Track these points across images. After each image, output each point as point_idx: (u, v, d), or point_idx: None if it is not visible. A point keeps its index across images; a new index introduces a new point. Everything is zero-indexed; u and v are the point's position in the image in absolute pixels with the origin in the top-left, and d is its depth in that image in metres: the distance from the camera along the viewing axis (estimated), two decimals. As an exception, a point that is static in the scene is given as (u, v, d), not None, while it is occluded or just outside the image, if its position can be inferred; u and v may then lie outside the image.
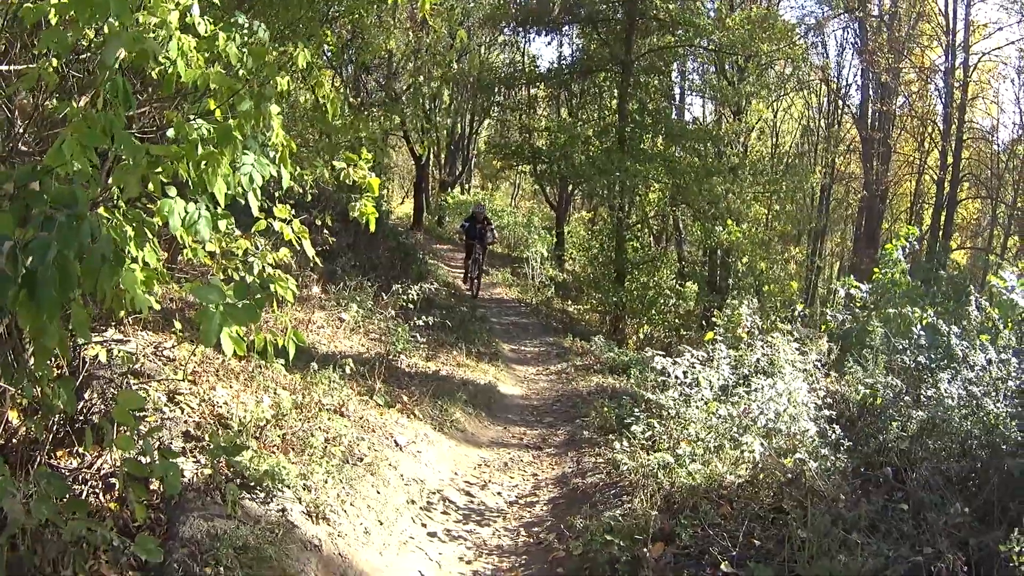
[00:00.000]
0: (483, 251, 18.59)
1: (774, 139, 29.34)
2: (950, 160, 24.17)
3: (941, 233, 23.38)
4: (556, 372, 12.26)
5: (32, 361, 3.43)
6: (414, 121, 20.24)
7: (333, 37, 8.25)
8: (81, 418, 4.23)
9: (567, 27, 22.49)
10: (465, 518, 5.89)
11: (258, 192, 3.65)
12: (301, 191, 7.13)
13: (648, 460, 5.44)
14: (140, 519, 3.64)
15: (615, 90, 20.76)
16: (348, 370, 7.06)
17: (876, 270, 9.76)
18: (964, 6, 23.90)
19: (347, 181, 5.33)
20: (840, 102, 28.58)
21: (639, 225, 21.48)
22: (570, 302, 21.30)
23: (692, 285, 19.97)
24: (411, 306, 10.24)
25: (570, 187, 25.55)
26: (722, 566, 3.99)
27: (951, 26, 23.77)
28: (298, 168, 5.27)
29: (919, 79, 25.89)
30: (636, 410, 6.77)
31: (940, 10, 24.37)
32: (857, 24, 25.90)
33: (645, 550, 4.30)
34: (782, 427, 5.33)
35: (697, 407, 5.85)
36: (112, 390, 4.66)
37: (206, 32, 3.46)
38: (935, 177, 25.48)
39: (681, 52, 20.81)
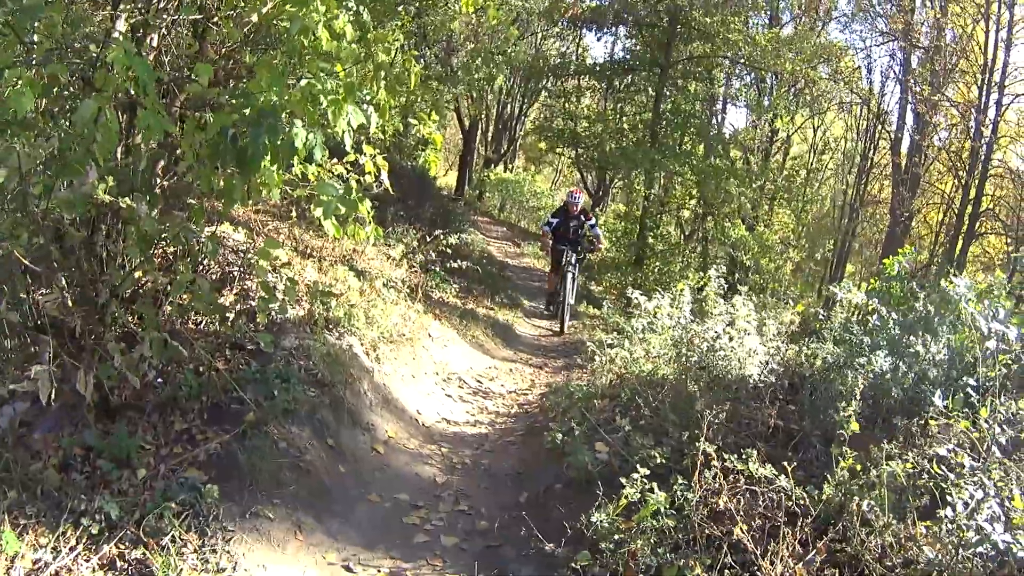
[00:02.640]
0: (578, 264, 12.95)
1: (811, 156, 30.05)
2: (972, 195, 24.66)
3: (955, 263, 23.62)
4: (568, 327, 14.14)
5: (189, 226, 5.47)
6: (467, 92, 21.08)
7: (408, 18, 10.13)
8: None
9: (616, 27, 23.14)
10: (474, 393, 7.96)
11: (352, 133, 4.98)
12: (382, 137, 8.96)
13: (611, 355, 7.32)
14: (261, 322, 5.73)
15: (652, 90, 21.65)
16: (397, 284, 9.12)
17: (872, 280, 11.10)
18: (1004, 48, 24.12)
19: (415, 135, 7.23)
20: (879, 127, 28.94)
21: (661, 216, 22.50)
22: (594, 283, 21.52)
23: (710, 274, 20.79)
24: (448, 250, 12.00)
25: (608, 178, 26.75)
26: (643, 410, 5.77)
27: (989, 64, 24.08)
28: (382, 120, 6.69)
29: (958, 114, 25.95)
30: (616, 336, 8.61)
31: (981, 48, 24.64)
32: (900, 52, 26.45)
33: (595, 402, 6.20)
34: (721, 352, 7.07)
35: (656, 332, 7.70)
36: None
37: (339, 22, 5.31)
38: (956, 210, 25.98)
39: (717, 62, 21.11)
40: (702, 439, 3.94)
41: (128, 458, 4.58)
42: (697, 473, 3.82)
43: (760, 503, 3.83)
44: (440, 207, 18.54)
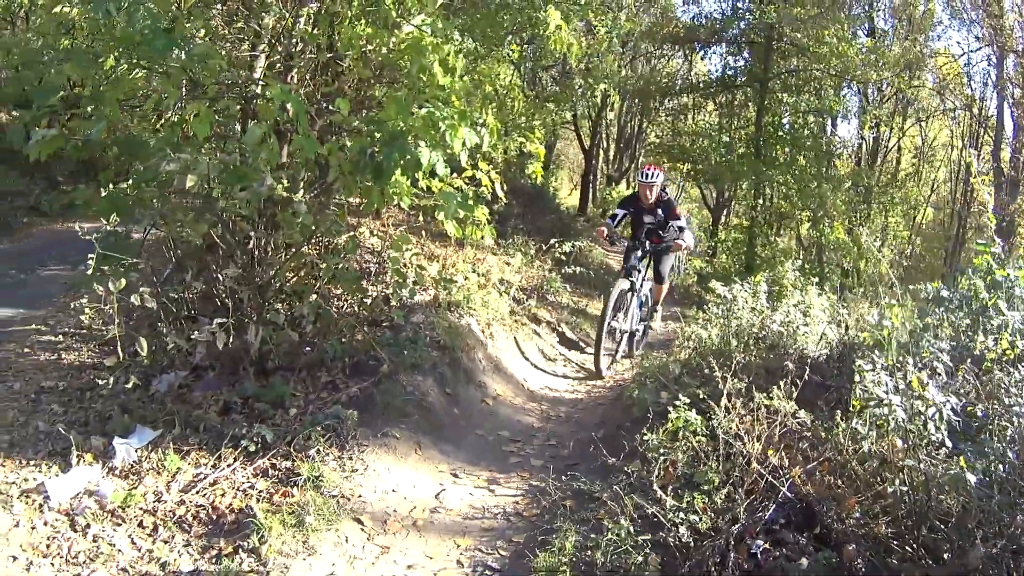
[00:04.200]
0: (656, 260, 9.91)
1: (918, 163, 30.01)
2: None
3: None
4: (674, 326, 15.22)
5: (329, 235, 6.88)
6: (585, 113, 22.05)
7: (517, 46, 11.45)
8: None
9: (710, 45, 23.89)
10: (577, 370, 9.29)
11: (467, 152, 5.84)
12: (495, 155, 10.30)
13: (690, 332, 8.38)
14: (395, 303, 7.15)
15: (753, 104, 22.41)
16: (513, 287, 10.46)
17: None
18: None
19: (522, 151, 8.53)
20: (983, 132, 28.83)
21: (771, 225, 23.16)
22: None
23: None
24: (564, 258, 13.14)
25: (726, 192, 27.09)
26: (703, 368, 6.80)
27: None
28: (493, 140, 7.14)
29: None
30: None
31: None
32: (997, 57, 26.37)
33: (670, 367, 7.30)
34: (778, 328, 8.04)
35: (735, 316, 8.76)
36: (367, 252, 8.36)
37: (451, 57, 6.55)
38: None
39: (813, 74, 21.30)
40: (730, 376, 5.06)
41: (282, 401, 5.99)
42: (724, 399, 4.92)
43: (777, 429, 4.92)
44: (559, 221, 19.52)
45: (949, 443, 4.10)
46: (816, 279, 12.01)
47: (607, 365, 9.19)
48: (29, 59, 16.19)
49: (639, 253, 9.46)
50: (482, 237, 6.73)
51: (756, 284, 8.79)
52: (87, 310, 6.59)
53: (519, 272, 12.33)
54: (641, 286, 9.73)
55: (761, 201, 21.97)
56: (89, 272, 6.14)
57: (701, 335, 8.08)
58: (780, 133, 21.75)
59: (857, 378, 4.51)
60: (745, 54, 22.73)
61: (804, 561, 3.67)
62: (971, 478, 3.71)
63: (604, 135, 32.06)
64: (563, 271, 13.05)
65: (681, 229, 9.48)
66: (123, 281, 5.97)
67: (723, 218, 27.85)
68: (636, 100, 27.91)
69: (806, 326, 7.58)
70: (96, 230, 11.53)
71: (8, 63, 19.49)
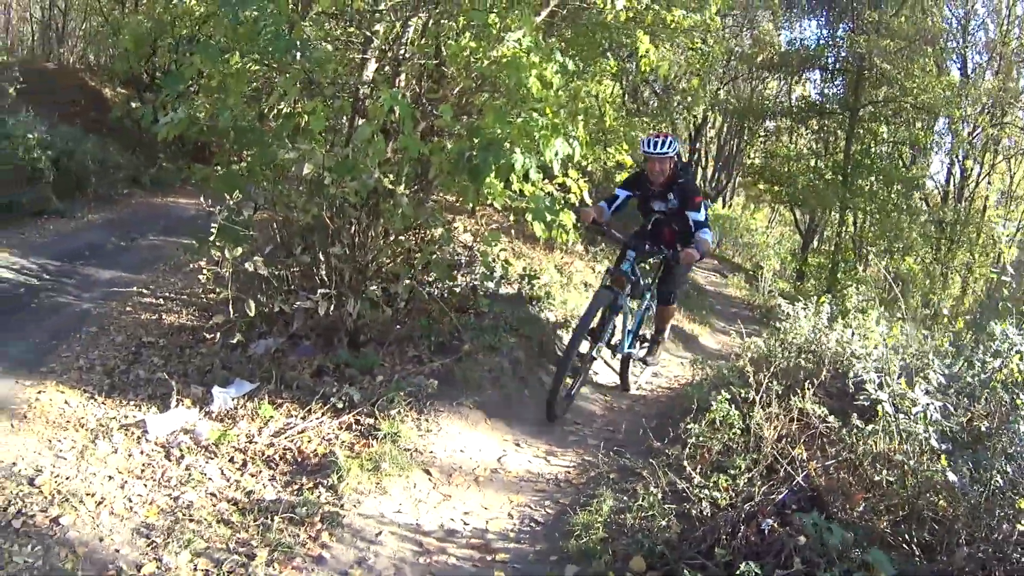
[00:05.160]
0: (664, 272, 7.80)
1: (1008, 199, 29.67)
2: None
3: None
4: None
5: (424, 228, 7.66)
6: (684, 129, 22.61)
7: (614, 63, 12.09)
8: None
9: (803, 72, 24.57)
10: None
11: (559, 161, 6.41)
12: (585, 165, 10.99)
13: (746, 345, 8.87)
14: (482, 292, 7.90)
15: (842, 132, 22.68)
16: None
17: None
18: None
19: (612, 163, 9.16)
20: None
21: (853, 253, 23.04)
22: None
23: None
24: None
25: (816, 220, 27.25)
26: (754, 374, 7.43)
27: None
28: (584, 151, 8.00)
29: None
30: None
31: None
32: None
33: (723, 372, 7.82)
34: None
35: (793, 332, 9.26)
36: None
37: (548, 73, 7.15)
38: None
39: (902, 106, 21.31)
40: (768, 379, 5.68)
41: (371, 369, 6.79)
42: (756, 395, 5.54)
43: (802, 428, 5.52)
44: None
45: (936, 444, 4.66)
46: (883, 307, 12.39)
47: (563, 408, 7.14)
48: (139, 40, 17.50)
49: (634, 254, 7.33)
50: (567, 241, 7.14)
51: (819, 304, 9.30)
52: (205, 272, 7.48)
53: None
54: (640, 302, 7.91)
55: (845, 228, 22.20)
56: (210, 239, 6.98)
57: (758, 346, 8.66)
58: (867, 161, 21.87)
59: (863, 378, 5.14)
60: (837, 82, 23.09)
61: (802, 538, 4.24)
62: (952, 477, 4.28)
63: (703, 152, 32.39)
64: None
65: (699, 225, 7.17)
66: (239, 249, 6.81)
67: (813, 243, 28.04)
68: (733, 120, 28.49)
69: (858, 343, 8.09)
70: (194, 206, 12.79)
71: (119, 43, 20.87)
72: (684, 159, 26.31)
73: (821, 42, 23.17)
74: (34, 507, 4.62)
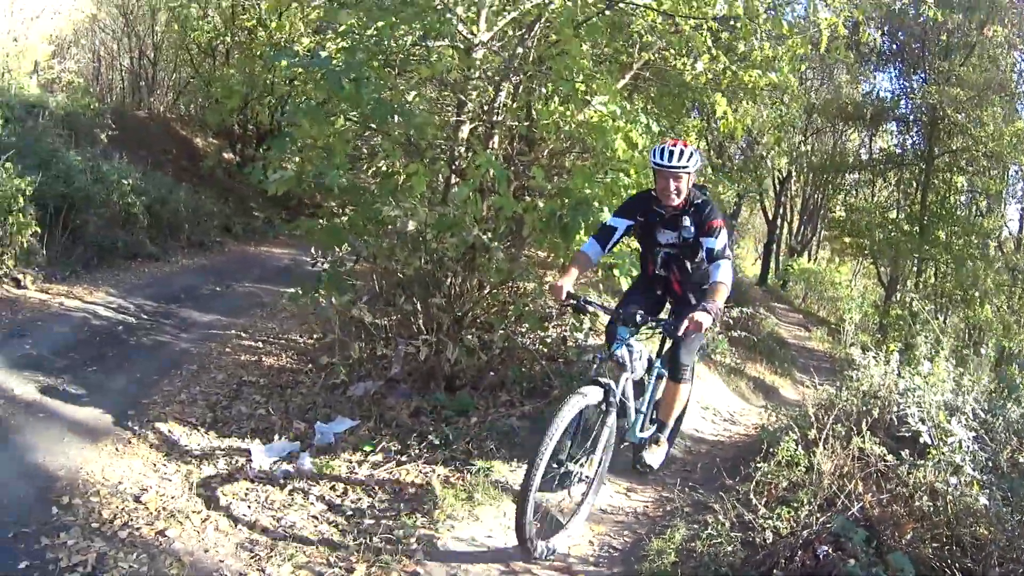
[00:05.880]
0: (664, 377, 6.26)
1: None
2: None
3: None
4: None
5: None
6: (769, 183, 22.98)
7: (699, 121, 12.59)
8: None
9: (877, 124, 24.92)
10: (724, 420, 10.30)
11: None
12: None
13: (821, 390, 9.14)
14: (571, 343, 8.47)
15: (917, 183, 23.08)
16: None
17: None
18: None
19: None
20: None
21: (933, 303, 22.86)
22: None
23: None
24: (731, 321, 13.87)
25: (898, 272, 27.37)
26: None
27: None
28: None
29: None
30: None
31: None
32: None
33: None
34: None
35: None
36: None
37: (633, 134, 7.62)
38: None
39: (976, 155, 21.54)
40: (830, 420, 6.13)
41: (466, 411, 7.39)
42: (820, 436, 5.99)
43: (863, 465, 5.93)
44: (736, 288, 19.72)
45: (971, 472, 5.09)
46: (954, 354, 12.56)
47: (540, 549, 5.22)
48: (232, 93, 18.55)
49: (627, 332, 5.64)
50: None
51: (889, 352, 9.65)
52: (311, 318, 8.15)
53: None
54: (645, 388, 6.18)
55: (923, 279, 22.40)
56: (315, 287, 7.80)
57: (828, 391, 8.98)
58: (943, 211, 22.18)
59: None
60: (913, 133, 23.49)
61: (852, 560, 4.69)
62: (984, 501, 4.73)
63: (788, 206, 32.61)
64: (729, 334, 13.89)
65: (713, 256, 5.53)
66: (346, 297, 7.48)
67: (896, 295, 28.12)
68: (816, 174, 28.92)
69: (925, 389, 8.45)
70: (287, 256, 13.62)
71: (213, 93, 21.97)
72: (737, 198, 26.01)
73: (895, 93, 23.65)
74: (140, 520, 5.26)
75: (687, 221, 5.62)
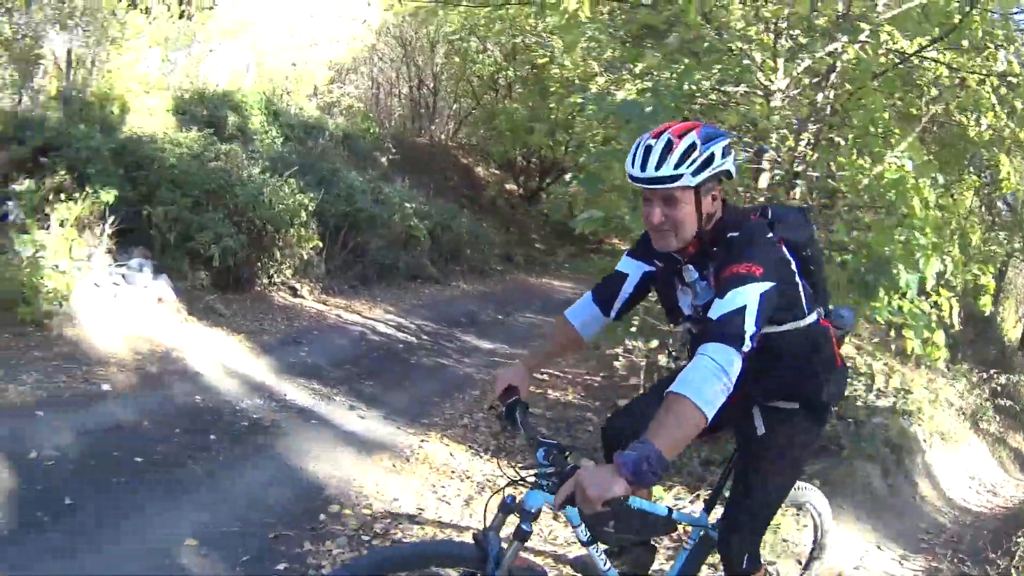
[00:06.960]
0: (744, 478, 3.30)
1: None
2: None
3: None
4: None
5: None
6: None
7: (977, 178, 12.12)
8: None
9: None
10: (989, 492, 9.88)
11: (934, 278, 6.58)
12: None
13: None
14: (860, 403, 8.41)
15: None
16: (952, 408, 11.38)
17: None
18: None
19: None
20: None
21: None
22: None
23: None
24: (998, 389, 13.57)
25: None
26: None
27: None
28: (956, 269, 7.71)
29: None
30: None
31: None
32: None
33: None
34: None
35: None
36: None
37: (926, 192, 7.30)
38: None
39: None
40: None
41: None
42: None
43: None
44: (1000, 353, 19.32)
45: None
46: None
47: None
48: (517, 126, 18.80)
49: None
50: (938, 359, 7.25)
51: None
52: (620, 359, 8.16)
53: (961, 396, 12.96)
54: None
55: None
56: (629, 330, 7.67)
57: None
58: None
59: None
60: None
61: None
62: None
63: (1073, 272, 30.76)
64: (996, 402, 13.40)
65: (712, 330, 2.56)
66: (655, 343, 7.50)
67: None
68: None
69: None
70: (570, 290, 13.87)
71: (496, 125, 22.47)
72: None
73: None
74: (414, 540, 5.13)
75: (693, 273, 3.01)
